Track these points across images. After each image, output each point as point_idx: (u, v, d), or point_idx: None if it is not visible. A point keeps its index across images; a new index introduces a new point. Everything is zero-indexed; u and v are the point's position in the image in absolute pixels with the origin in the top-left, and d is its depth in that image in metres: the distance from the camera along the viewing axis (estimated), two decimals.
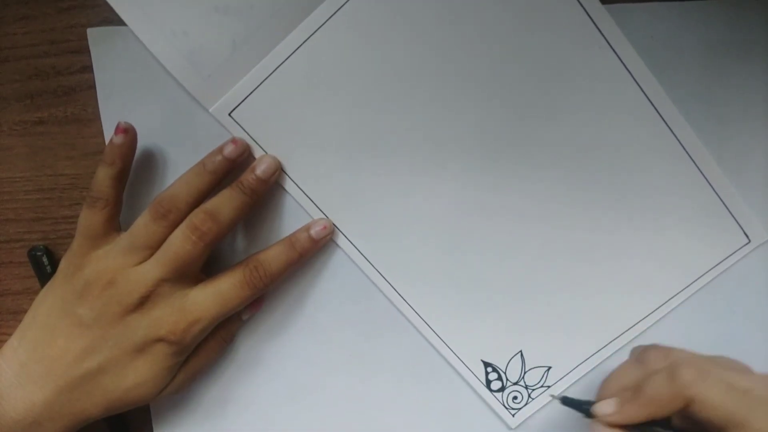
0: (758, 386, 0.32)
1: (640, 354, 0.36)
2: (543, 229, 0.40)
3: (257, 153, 0.38)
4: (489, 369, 0.41)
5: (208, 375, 0.41)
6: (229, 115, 0.38)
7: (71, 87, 0.39)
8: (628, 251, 0.40)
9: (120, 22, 0.37)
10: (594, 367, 0.41)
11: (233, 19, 0.37)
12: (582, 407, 0.35)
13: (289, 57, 0.37)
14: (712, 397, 0.31)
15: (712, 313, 0.41)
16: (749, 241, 0.40)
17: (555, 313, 0.40)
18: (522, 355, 0.41)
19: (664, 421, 0.33)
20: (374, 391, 0.42)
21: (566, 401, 0.36)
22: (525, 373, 0.41)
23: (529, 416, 0.42)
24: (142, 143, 0.38)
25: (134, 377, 0.36)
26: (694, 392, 0.31)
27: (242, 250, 0.40)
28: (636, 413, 0.33)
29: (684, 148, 0.39)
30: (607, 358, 0.41)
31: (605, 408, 0.34)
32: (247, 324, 0.41)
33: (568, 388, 0.41)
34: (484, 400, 0.42)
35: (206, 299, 0.36)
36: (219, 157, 0.36)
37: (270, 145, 0.38)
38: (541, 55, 0.37)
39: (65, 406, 0.35)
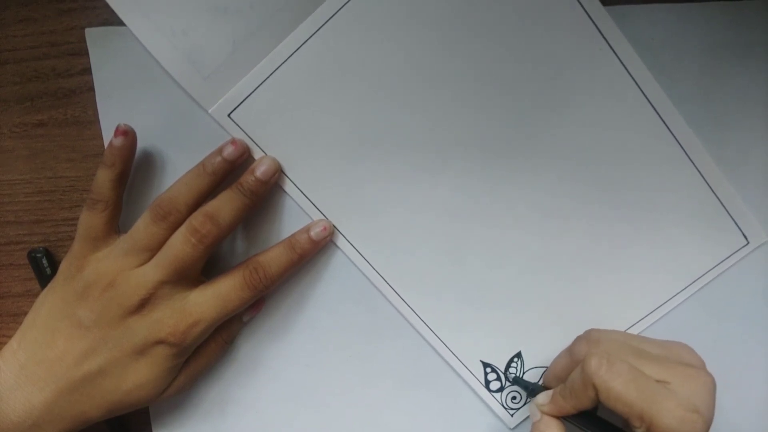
0: (676, 380, 0.32)
1: (572, 343, 0.38)
2: (542, 230, 0.40)
3: (257, 154, 0.38)
4: (488, 369, 0.41)
5: (208, 376, 0.41)
6: (229, 116, 0.38)
7: (71, 89, 0.39)
8: (627, 252, 0.40)
9: (119, 23, 0.37)
10: None
11: (233, 20, 0.37)
12: (528, 388, 0.40)
13: (289, 58, 0.37)
14: (614, 387, 0.31)
15: (711, 314, 0.41)
16: (748, 242, 0.40)
17: (554, 313, 0.41)
18: (521, 355, 0.41)
19: (591, 413, 0.34)
20: (374, 391, 0.42)
21: (516, 380, 0.41)
22: (524, 373, 0.41)
23: (528, 416, 0.42)
24: (141, 144, 0.38)
25: (134, 379, 0.36)
26: (597, 381, 0.32)
27: (242, 252, 0.40)
28: (564, 405, 0.34)
29: (683, 150, 0.39)
30: None
31: (540, 399, 0.36)
32: (248, 326, 0.41)
33: None
34: (483, 401, 0.42)
35: (206, 301, 0.36)
36: (218, 159, 0.36)
37: (270, 146, 0.38)
38: (542, 56, 0.37)
39: (65, 409, 0.35)
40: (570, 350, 0.37)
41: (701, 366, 0.34)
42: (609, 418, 0.34)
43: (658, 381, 0.32)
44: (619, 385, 0.31)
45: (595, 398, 0.32)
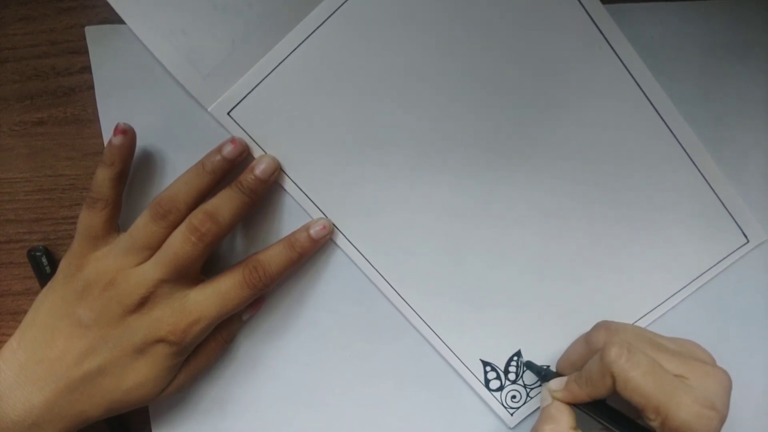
0: (694, 376, 0.32)
1: (589, 331, 0.37)
2: (542, 229, 0.40)
3: (256, 153, 0.38)
4: (488, 368, 0.41)
5: (208, 375, 0.41)
6: (228, 114, 0.38)
7: (71, 88, 0.39)
8: (627, 251, 0.40)
9: (119, 22, 0.37)
10: None
11: (232, 18, 0.37)
12: (540, 373, 0.40)
13: (288, 56, 0.37)
14: (632, 377, 0.31)
15: (711, 313, 0.41)
16: (748, 241, 0.40)
17: (554, 312, 0.41)
18: (521, 354, 0.41)
19: (602, 402, 0.34)
20: (373, 391, 0.42)
21: (528, 365, 0.41)
22: (523, 372, 0.41)
23: (528, 415, 0.42)
24: (140, 143, 0.38)
25: (134, 378, 0.36)
26: (615, 370, 0.32)
27: (242, 251, 0.40)
28: (578, 392, 0.34)
29: (683, 149, 0.39)
30: None
31: (553, 385, 0.36)
32: (247, 324, 0.41)
33: None
34: (482, 400, 0.42)
35: (206, 299, 0.36)
36: (218, 157, 0.36)
37: (269, 144, 0.38)
38: (542, 55, 0.37)
39: (65, 408, 0.35)
40: (587, 338, 0.37)
41: (714, 364, 0.34)
42: (619, 407, 0.34)
43: (675, 375, 0.32)
44: (638, 376, 0.31)
45: (611, 387, 0.32)
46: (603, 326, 0.37)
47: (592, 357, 0.34)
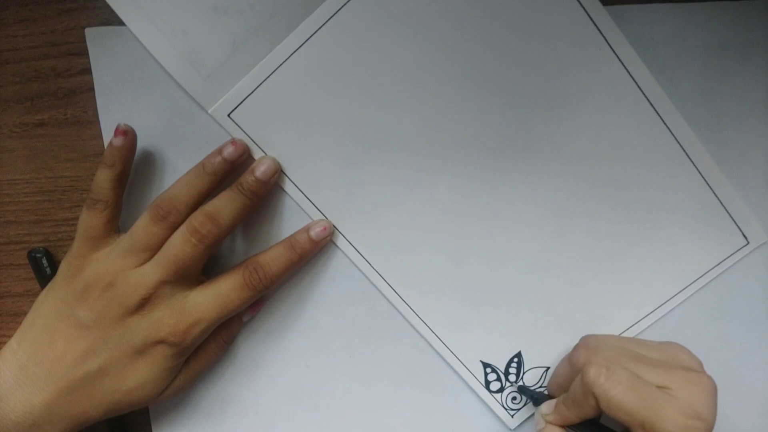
0: (677, 385, 0.32)
1: (572, 351, 0.37)
2: (542, 230, 0.40)
3: (257, 154, 0.38)
4: (488, 370, 0.41)
5: (208, 376, 0.41)
6: (229, 116, 0.38)
7: (71, 89, 0.39)
8: (627, 252, 0.40)
9: (119, 23, 0.37)
10: None
11: (233, 19, 0.37)
12: (533, 397, 0.40)
13: (289, 57, 0.37)
14: (614, 396, 0.31)
15: (711, 315, 0.41)
16: (748, 242, 0.40)
17: (554, 313, 0.41)
18: (521, 355, 0.41)
19: (595, 422, 0.34)
20: (373, 392, 0.42)
21: (521, 389, 0.41)
22: (524, 373, 0.41)
23: (528, 417, 0.42)
24: (141, 144, 0.38)
25: (134, 379, 0.36)
26: (596, 391, 0.32)
27: (242, 252, 0.40)
28: (567, 414, 0.34)
29: (683, 150, 0.39)
30: None
31: (544, 408, 0.36)
32: (248, 325, 0.41)
33: None
34: (483, 401, 0.42)
35: (206, 301, 0.36)
36: (218, 159, 0.36)
37: (269, 146, 0.38)
38: (542, 56, 0.37)
39: (65, 409, 0.35)
40: (569, 359, 0.37)
41: (700, 368, 0.34)
42: (612, 425, 0.34)
43: (658, 387, 0.32)
44: (619, 394, 0.31)
45: (596, 407, 0.32)
46: (583, 345, 0.37)
47: (576, 377, 0.34)
